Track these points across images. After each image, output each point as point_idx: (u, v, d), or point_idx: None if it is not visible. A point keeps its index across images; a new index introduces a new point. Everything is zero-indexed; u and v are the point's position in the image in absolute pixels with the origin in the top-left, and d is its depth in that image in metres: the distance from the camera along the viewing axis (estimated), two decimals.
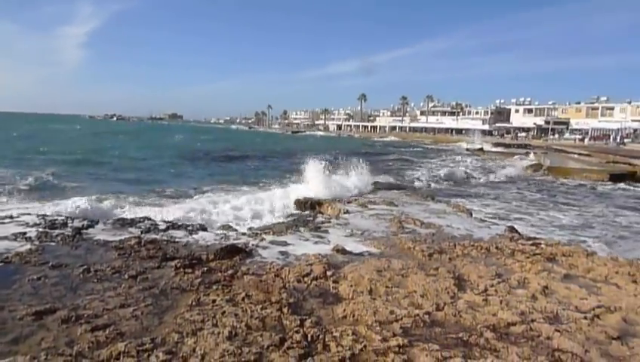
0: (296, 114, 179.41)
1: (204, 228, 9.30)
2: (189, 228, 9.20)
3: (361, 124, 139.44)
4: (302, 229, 9.70)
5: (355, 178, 17.61)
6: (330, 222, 10.62)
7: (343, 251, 7.63)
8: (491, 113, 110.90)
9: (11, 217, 9.21)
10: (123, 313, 4.75)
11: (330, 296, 5.53)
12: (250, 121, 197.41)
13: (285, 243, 8.27)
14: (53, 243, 7.35)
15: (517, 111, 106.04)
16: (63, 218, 9.40)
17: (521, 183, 25.90)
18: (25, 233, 7.86)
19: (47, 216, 9.58)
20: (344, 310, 5.03)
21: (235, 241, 8.11)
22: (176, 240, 8.13)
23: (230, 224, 10.93)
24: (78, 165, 26.81)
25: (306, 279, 6.01)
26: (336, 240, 8.65)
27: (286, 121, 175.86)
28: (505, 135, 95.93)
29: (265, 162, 33.49)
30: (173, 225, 9.36)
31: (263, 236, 8.80)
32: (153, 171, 25.81)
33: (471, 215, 12.45)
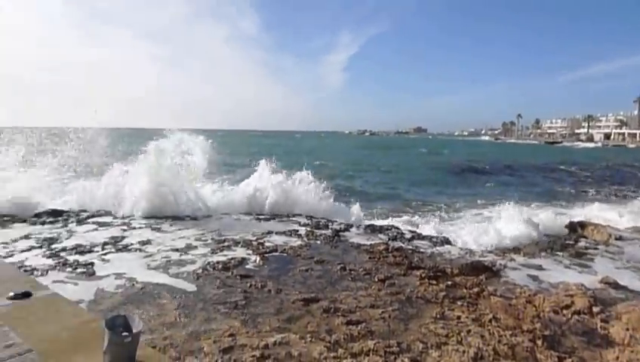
0: (551, 122, 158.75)
1: (447, 242, 9.22)
2: (434, 239, 9.28)
3: (638, 132, 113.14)
4: (559, 254, 8.57)
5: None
6: (596, 248, 9.06)
7: (616, 285, 6.39)
8: None
9: (287, 216, 11.12)
10: (373, 313, 5.13)
11: (598, 337, 4.70)
12: (496, 132, 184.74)
13: (539, 268, 7.46)
14: (317, 242, 8.52)
15: None
16: (324, 220, 10.81)
17: None
18: (297, 231, 9.37)
19: (314, 217, 11.20)
20: (617, 358, 4.20)
21: (481, 259, 7.76)
22: (421, 250, 8.30)
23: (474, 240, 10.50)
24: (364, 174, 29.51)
25: (564, 311, 5.28)
26: (604, 270, 7.33)
27: (538, 131, 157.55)
28: None
29: (519, 178, 30.19)
30: (418, 236, 9.61)
31: (512, 256, 8.15)
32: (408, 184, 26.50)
33: None
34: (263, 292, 5.68)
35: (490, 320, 4.93)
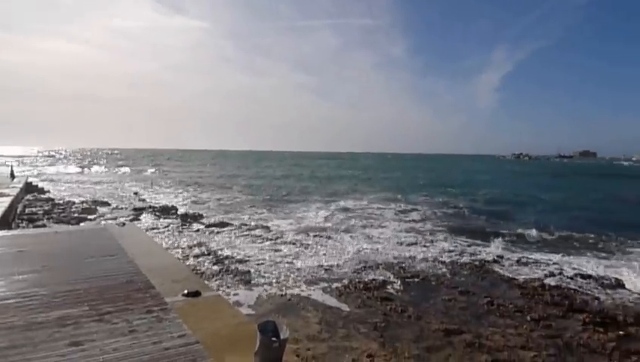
0: None
1: (621, 285, 7.92)
2: (602, 281, 8.07)
3: None
4: None
5: None
6: None
7: None
8: None
9: (431, 241, 10.83)
10: (523, 354, 4.67)
11: None
12: None
13: None
14: (463, 271, 8.10)
15: None
16: (471, 248, 10.24)
17: None
18: (441, 258, 9.06)
19: (461, 243, 10.72)
20: None
21: None
22: (586, 291, 7.30)
23: None
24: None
25: None
26: None
27: None
28: None
29: None
30: (581, 274, 8.47)
31: None
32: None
33: None
34: (402, 316, 5.61)
35: None
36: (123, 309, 4.13)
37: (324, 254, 8.97)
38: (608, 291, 7.42)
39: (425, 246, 10.47)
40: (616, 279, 8.22)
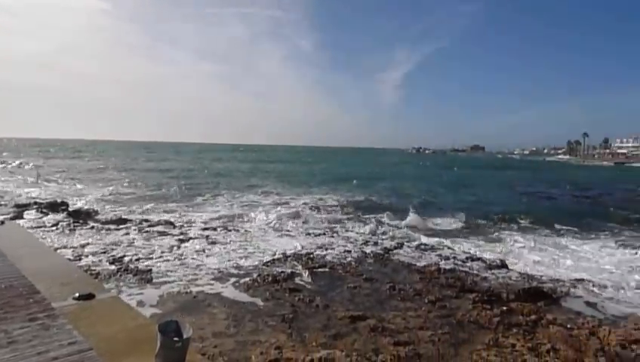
0: (621, 142, 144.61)
1: (504, 265, 8.82)
2: (488, 262, 8.91)
3: None
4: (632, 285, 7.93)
5: None
6: None
7: None
8: None
9: (336, 232, 11.13)
10: (421, 334, 4.99)
11: None
12: (560, 152, 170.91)
13: (609, 298, 6.95)
14: (368, 259, 8.44)
15: None
16: (375, 237, 10.71)
17: None
18: (346, 247, 9.35)
19: (365, 233, 11.16)
20: None
21: (540, 285, 7.36)
22: (475, 272, 8.00)
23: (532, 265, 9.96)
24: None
25: (633, 346, 4.87)
26: None
27: (607, 151, 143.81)
28: None
29: None
30: (472, 258, 9.27)
31: (575, 283, 7.65)
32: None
33: None
34: (310, 306, 5.70)
35: (548, 351, 4.65)
36: (1, 318, 3.67)
37: (232, 250, 8.79)
38: (494, 271, 8.21)
39: (332, 236, 10.74)
40: (501, 260, 9.14)
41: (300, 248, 9.08)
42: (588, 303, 6.62)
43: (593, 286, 7.59)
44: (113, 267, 7.00)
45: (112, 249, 8.22)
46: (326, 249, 9.14)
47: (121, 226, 10.58)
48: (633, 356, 4.70)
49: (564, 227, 13.82)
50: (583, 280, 8.01)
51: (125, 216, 11.95)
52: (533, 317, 5.66)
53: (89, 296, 4.20)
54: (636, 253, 10.44)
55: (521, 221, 14.90)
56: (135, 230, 10.20)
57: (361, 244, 9.84)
